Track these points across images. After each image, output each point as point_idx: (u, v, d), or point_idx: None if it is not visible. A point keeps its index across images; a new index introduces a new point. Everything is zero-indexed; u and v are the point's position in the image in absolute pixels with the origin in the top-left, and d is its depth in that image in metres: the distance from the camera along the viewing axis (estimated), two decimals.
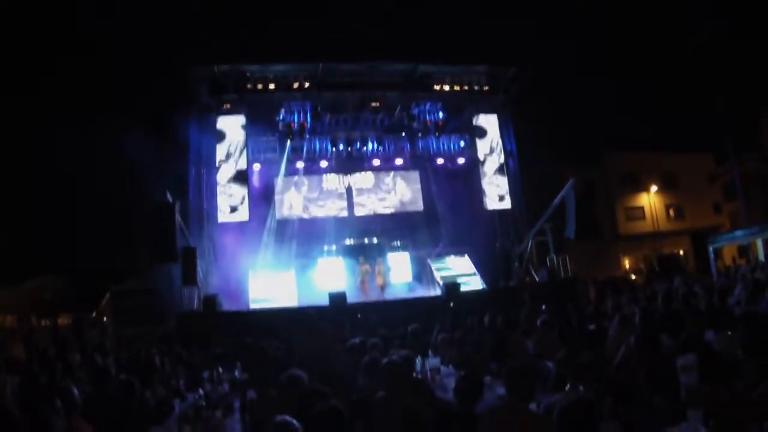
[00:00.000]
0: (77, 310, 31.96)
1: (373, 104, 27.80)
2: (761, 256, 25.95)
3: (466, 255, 26.75)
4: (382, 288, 25.26)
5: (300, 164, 28.33)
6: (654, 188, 47.07)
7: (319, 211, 29.68)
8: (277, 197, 28.35)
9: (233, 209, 25.42)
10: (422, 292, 25.22)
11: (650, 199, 47.37)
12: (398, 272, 26.23)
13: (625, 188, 47.86)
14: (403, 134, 29.77)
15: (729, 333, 7.05)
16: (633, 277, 37.50)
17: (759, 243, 26.82)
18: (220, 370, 9.88)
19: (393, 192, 30.96)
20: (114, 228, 28.53)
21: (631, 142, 48.12)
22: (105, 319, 27.90)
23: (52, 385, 7.41)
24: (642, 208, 47.97)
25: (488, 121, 29.12)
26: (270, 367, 8.27)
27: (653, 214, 46.79)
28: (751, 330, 5.47)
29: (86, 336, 23.80)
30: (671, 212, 48.16)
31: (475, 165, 28.96)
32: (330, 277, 24.77)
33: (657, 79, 65.05)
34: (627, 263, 46.51)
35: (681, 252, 44.05)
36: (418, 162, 30.62)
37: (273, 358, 9.50)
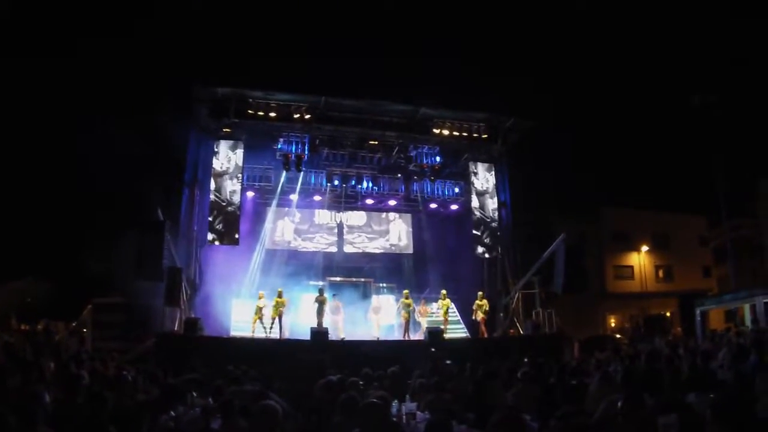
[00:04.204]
0: (57, 317, 31.67)
1: (372, 142, 27.76)
2: (748, 321, 25.85)
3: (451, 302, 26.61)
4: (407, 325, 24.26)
5: (294, 196, 28.38)
6: (645, 248, 47.27)
7: (308, 244, 29.74)
8: (267, 226, 28.29)
9: (223, 234, 25.24)
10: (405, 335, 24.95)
11: (640, 259, 47.60)
12: (382, 314, 25.68)
13: (616, 246, 48.07)
14: (399, 176, 29.77)
15: (711, 396, 7.01)
16: (618, 335, 37.41)
17: (746, 308, 26.74)
18: (194, 394, 9.73)
19: (384, 233, 31.00)
20: (102, 239, 28.35)
21: (625, 199, 48.47)
22: (85, 330, 27.60)
23: (23, 390, 7.29)
24: (631, 267, 48.23)
25: (484, 170, 29.05)
26: (243, 397, 8.17)
27: (642, 274, 46.95)
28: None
29: (63, 345, 23.60)
30: (660, 273, 48.40)
31: (467, 212, 28.91)
32: (313, 312, 23.81)
33: (656, 138, 65.71)
34: (613, 321, 46.51)
35: (668, 313, 44.10)
36: (412, 205, 30.63)
37: (249, 390, 9.39)
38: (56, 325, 30.63)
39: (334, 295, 24.43)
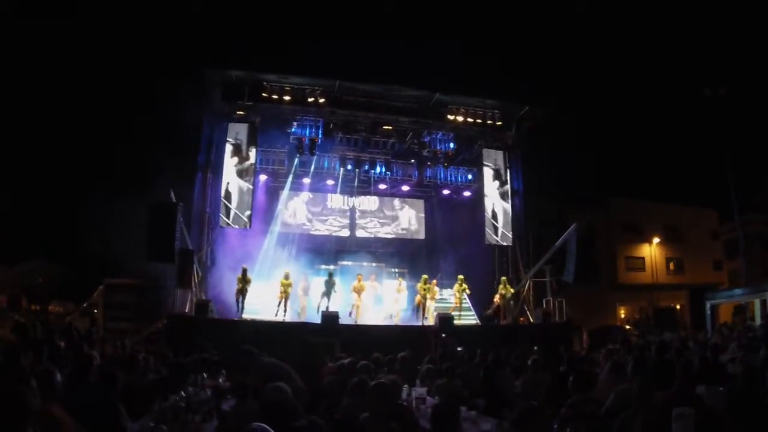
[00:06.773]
0: (68, 298, 31.85)
1: (385, 127, 27.67)
2: (758, 317, 25.72)
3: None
4: (424, 308, 24.45)
5: (306, 180, 28.55)
6: (656, 240, 47.02)
7: (320, 227, 29.80)
8: (280, 208, 28.37)
9: (235, 217, 25.22)
10: (415, 321, 24.93)
11: (651, 251, 47.31)
12: (392, 299, 25.72)
13: (628, 237, 47.85)
14: (412, 161, 29.84)
15: (720, 389, 7.01)
16: (627, 327, 37.30)
17: (756, 303, 26.61)
18: (205, 375, 9.79)
19: (396, 218, 30.97)
20: (114, 221, 28.46)
21: (638, 191, 48.21)
22: (96, 310, 27.78)
23: (34, 368, 7.33)
24: (642, 259, 47.93)
25: (497, 157, 28.81)
26: (255, 377, 8.20)
27: (653, 265, 46.70)
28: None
29: (75, 325, 23.72)
30: (671, 265, 48.13)
31: (480, 199, 28.69)
32: (326, 295, 23.84)
33: (670, 131, 65.22)
34: (623, 312, 46.34)
35: (678, 306, 43.96)
36: (424, 190, 30.76)
37: (268, 362, 9.42)
38: (67, 305, 30.85)
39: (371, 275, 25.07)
